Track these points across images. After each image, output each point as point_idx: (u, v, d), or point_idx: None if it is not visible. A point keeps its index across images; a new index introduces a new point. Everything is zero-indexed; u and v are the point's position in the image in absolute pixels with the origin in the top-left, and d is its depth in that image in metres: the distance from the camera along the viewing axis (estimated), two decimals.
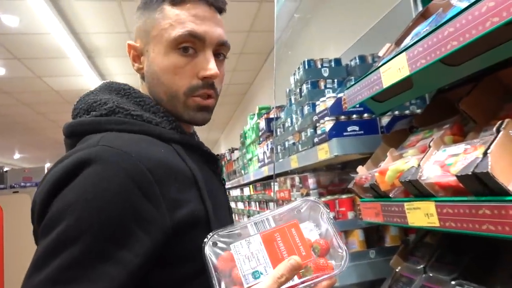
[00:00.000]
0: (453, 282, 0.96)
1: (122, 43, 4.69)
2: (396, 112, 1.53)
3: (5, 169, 6.25)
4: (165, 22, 0.75)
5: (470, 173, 0.71)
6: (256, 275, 0.58)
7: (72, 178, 0.60)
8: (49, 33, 4.12)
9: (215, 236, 0.61)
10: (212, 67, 0.76)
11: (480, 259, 1.01)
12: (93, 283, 0.54)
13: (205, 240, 0.60)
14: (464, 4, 0.75)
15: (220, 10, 0.82)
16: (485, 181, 0.69)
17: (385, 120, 1.50)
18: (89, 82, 5.78)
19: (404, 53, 0.92)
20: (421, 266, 1.11)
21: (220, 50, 0.80)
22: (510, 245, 0.97)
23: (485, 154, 0.71)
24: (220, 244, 0.61)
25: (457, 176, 0.74)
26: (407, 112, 1.55)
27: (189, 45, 0.75)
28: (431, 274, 1.06)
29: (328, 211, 0.67)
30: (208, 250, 0.60)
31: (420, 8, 1.47)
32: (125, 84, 0.82)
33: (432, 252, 1.14)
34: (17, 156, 12.76)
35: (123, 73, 5.78)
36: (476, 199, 0.73)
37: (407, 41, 1.10)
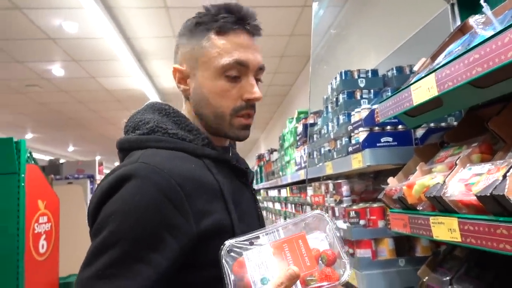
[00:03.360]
0: None
1: (169, 47, 4.93)
2: (432, 124, 1.55)
3: (61, 161, 6.77)
4: (213, 51, 0.83)
5: (488, 194, 0.75)
6: (264, 281, 0.65)
7: (115, 190, 0.72)
8: (103, 38, 4.43)
9: (231, 243, 0.69)
10: (257, 91, 0.85)
11: (505, 275, 1.03)
12: (129, 280, 0.66)
13: (222, 246, 0.68)
14: (489, 33, 0.79)
15: (258, 36, 0.90)
16: (502, 203, 0.73)
17: (420, 132, 1.52)
18: (138, 82, 6.11)
19: (433, 74, 0.96)
20: (448, 278, 1.14)
21: (258, 75, 0.89)
22: None
23: (504, 176, 0.75)
24: (235, 251, 0.69)
25: (476, 196, 0.78)
26: (443, 124, 1.56)
27: (234, 71, 0.84)
28: (455, 287, 1.09)
29: (335, 223, 0.73)
30: (224, 255, 0.68)
31: (459, 21, 1.48)
32: (166, 104, 0.92)
33: (459, 265, 1.17)
34: (71, 148, 13.67)
35: (167, 74, 6.05)
36: (495, 218, 0.77)
37: (440, 59, 1.13)
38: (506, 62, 0.73)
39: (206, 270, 0.75)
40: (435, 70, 0.96)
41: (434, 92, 0.96)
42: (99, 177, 6.53)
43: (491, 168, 0.85)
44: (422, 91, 1.02)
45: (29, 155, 2.75)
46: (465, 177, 0.91)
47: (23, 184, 2.53)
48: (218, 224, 0.76)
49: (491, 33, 0.78)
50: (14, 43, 4.59)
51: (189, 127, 0.86)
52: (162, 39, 4.67)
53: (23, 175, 2.54)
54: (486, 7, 0.79)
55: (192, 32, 0.87)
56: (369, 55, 2.76)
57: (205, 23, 0.85)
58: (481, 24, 0.78)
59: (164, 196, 0.70)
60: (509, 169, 0.76)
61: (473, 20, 0.80)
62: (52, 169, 6.25)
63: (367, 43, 2.79)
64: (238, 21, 0.84)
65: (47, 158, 8.93)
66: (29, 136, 10.72)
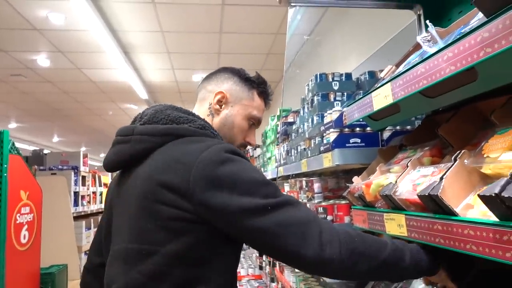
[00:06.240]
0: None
1: (156, 41, 4.95)
2: (398, 127, 1.65)
3: (45, 152, 6.72)
4: (253, 103, 1.21)
5: (426, 194, 0.84)
6: None
7: (230, 155, 0.94)
8: (89, 30, 4.43)
9: None
10: (255, 140, 1.26)
11: (453, 267, 1.14)
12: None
13: None
14: (434, 50, 0.88)
15: (267, 109, 1.29)
16: (437, 202, 0.83)
17: (386, 134, 1.62)
18: (124, 75, 6.11)
19: (389, 83, 1.05)
20: None
21: None
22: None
23: (441, 178, 0.84)
24: None
25: (417, 195, 0.88)
26: (408, 127, 1.66)
27: (253, 121, 1.22)
28: None
29: None
30: None
31: (424, 31, 1.58)
32: (189, 110, 1.15)
33: None
34: (56, 139, 13.53)
35: (153, 68, 6.08)
36: (432, 216, 0.87)
37: (401, 68, 1.22)
38: (446, 77, 0.82)
39: None
40: (391, 80, 1.05)
41: (390, 100, 1.05)
42: (83, 169, 6.52)
43: (435, 171, 0.95)
44: (381, 98, 1.11)
45: (12, 145, 2.77)
46: (414, 178, 1.01)
47: (5, 174, 2.56)
48: None
49: (435, 50, 0.87)
50: None
51: (217, 132, 1.13)
52: (149, 33, 4.69)
53: (5, 166, 2.57)
54: (431, 26, 0.88)
55: (242, 80, 1.22)
56: (350, 59, 2.86)
57: (253, 82, 1.22)
58: (427, 42, 0.87)
59: None
60: (446, 172, 0.85)
61: (420, 37, 0.88)
62: (36, 159, 6.20)
63: (346, 48, 2.89)
64: (267, 95, 1.26)
65: (31, 148, 8.85)
66: (12, 125, 10.58)
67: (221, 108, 1.18)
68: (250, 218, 0.88)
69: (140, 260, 0.93)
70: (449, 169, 0.85)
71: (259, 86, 1.23)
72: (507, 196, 0.62)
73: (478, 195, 0.69)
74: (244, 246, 5.06)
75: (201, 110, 1.20)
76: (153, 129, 1.02)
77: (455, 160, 0.87)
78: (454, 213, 0.80)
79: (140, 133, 1.02)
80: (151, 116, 1.06)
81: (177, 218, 0.91)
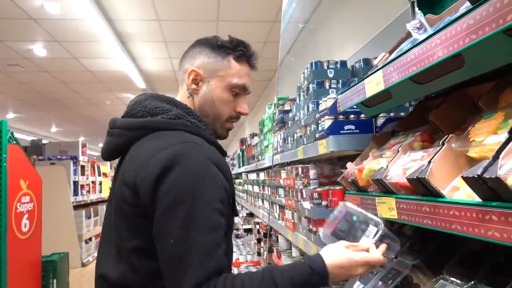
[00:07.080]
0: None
1: (153, 30, 4.93)
2: (392, 114, 1.67)
3: (43, 142, 6.74)
4: (231, 71, 1.10)
5: (415, 177, 0.87)
6: None
7: (178, 163, 0.89)
8: (86, 19, 4.41)
9: None
10: (247, 108, 1.16)
11: (444, 247, 1.17)
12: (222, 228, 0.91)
13: None
14: (423, 37, 0.90)
15: (254, 70, 1.19)
16: (425, 184, 0.86)
17: (380, 121, 1.64)
18: (121, 64, 6.09)
19: (381, 70, 1.07)
20: None
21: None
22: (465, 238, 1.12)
23: (429, 162, 0.87)
24: None
25: (407, 178, 0.91)
26: (402, 114, 1.69)
27: (238, 90, 1.12)
28: (399, 259, 1.23)
29: None
30: None
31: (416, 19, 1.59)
32: (169, 96, 1.10)
33: (405, 241, 1.31)
34: (54, 129, 13.51)
35: (150, 57, 6.05)
36: (420, 198, 0.90)
37: (393, 55, 1.24)
38: (434, 63, 0.84)
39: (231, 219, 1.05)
40: (383, 67, 1.07)
41: (381, 86, 1.08)
42: (82, 158, 6.55)
43: (424, 155, 0.98)
44: (373, 85, 1.13)
45: (10, 135, 2.79)
46: (404, 163, 1.04)
47: (4, 164, 2.58)
48: (232, 190, 1.03)
49: (424, 37, 0.88)
50: None
51: (199, 118, 1.06)
52: (146, 22, 4.67)
53: (4, 155, 2.59)
54: (420, 14, 0.90)
55: (214, 50, 1.11)
56: (347, 47, 2.86)
57: (227, 48, 1.11)
58: (416, 29, 0.89)
59: (216, 166, 0.94)
60: (434, 156, 0.88)
61: (409, 25, 0.90)
62: (35, 149, 6.23)
63: (343, 36, 2.89)
64: (249, 57, 1.14)
65: (29, 138, 8.85)
66: (10, 116, 10.56)
67: (198, 86, 1.11)
68: (161, 227, 0.88)
69: (120, 252, 0.98)
70: (437, 153, 0.88)
71: (235, 50, 1.11)
72: (488, 177, 0.65)
73: (462, 177, 0.72)
74: (242, 233, 5.09)
75: (181, 93, 1.15)
76: (130, 123, 1.03)
77: (442, 144, 0.89)
78: (440, 195, 0.83)
79: (119, 127, 1.05)
80: (130, 108, 1.06)
81: (135, 215, 0.94)
